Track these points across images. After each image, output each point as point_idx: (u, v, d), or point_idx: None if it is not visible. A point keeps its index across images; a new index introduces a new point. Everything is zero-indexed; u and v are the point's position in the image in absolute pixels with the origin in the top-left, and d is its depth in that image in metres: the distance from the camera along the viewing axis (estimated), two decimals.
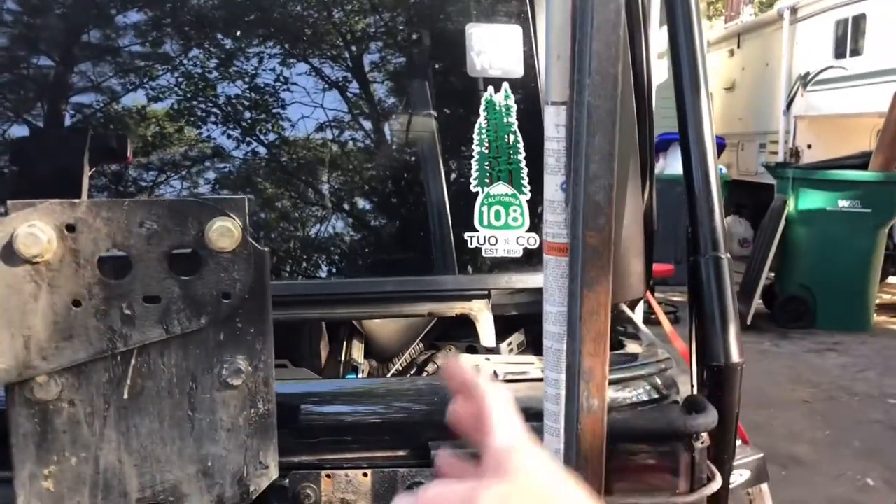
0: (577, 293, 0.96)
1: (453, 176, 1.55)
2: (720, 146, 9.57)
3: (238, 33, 1.57)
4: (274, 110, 1.56)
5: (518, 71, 1.53)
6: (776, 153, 10.10)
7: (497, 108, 1.53)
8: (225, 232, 1.02)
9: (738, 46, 11.82)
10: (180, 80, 1.55)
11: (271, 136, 1.57)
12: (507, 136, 1.54)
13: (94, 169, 1.57)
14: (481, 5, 1.58)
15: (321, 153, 1.56)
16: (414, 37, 1.64)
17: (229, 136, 1.54)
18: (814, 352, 6.94)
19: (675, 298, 7.57)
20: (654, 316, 4.26)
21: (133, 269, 1.03)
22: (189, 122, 1.55)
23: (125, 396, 1.07)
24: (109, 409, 1.07)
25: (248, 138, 1.55)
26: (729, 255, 1.64)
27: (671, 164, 8.42)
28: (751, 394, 5.70)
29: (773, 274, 7.67)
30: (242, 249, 1.04)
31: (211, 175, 1.55)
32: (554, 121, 1.01)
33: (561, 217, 1.03)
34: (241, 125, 1.54)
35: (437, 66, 1.60)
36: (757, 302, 7.43)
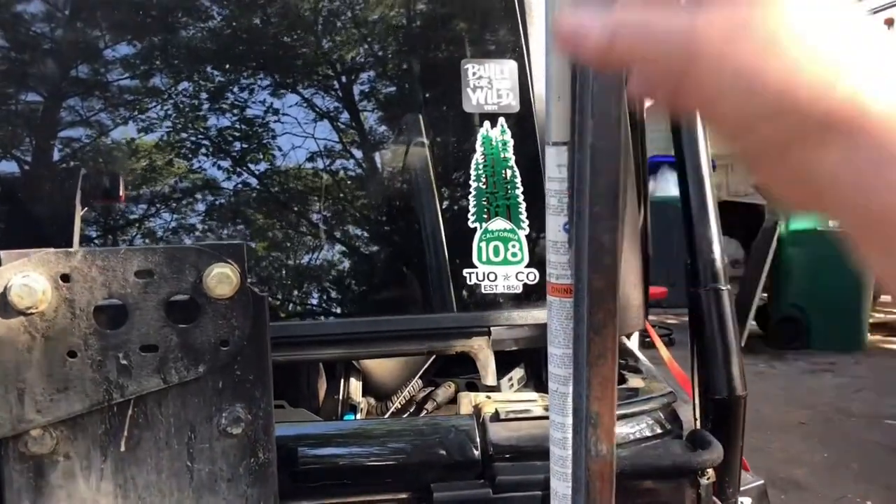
0: (584, 336, 0.94)
1: (451, 212, 1.54)
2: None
3: (229, 65, 1.57)
4: (266, 147, 1.55)
5: (514, 106, 1.53)
6: None
7: (493, 143, 1.52)
8: (223, 279, 1.00)
9: None
10: (171, 113, 1.54)
11: (264, 174, 1.56)
12: (504, 172, 1.53)
13: (85, 209, 1.55)
14: (476, 41, 1.58)
15: (315, 190, 1.55)
16: (409, 72, 1.64)
17: (221, 171, 1.53)
18: (809, 373, 6.94)
19: (670, 321, 7.57)
20: (648, 339, 4.25)
21: (129, 318, 1.01)
22: (180, 156, 1.54)
23: (122, 448, 1.04)
24: (106, 462, 1.04)
25: (239, 175, 1.54)
26: (728, 287, 1.63)
27: (662, 187, 8.47)
28: (747, 417, 5.69)
29: (766, 295, 7.69)
30: (241, 296, 1.02)
31: (202, 210, 1.54)
32: (556, 161, 1.00)
33: (564, 258, 1.01)
34: (233, 160, 1.53)
35: (433, 102, 1.60)
36: (751, 323, 7.44)
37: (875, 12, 8.27)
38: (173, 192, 1.53)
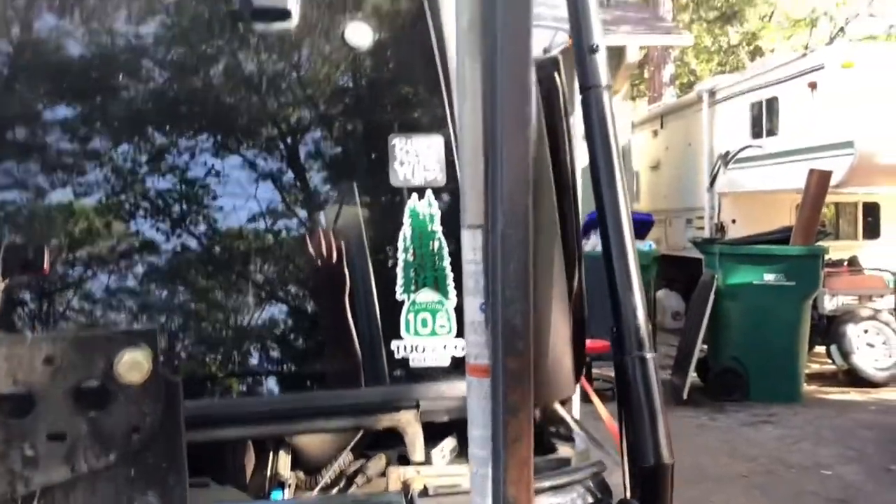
0: (500, 418, 0.95)
1: (380, 285, 1.55)
2: (648, 223, 9.84)
3: (153, 129, 1.56)
4: (193, 218, 1.54)
5: (440, 180, 1.55)
6: (702, 228, 10.45)
7: (421, 216, 1.54)
8: (134, 365, 0.98)
9: (662, 127, 12.32)
10: (94, 179, 1.52)
11: (189, 246, 1.54)
12: (431, 244, 1.55)
13: (6, 282, 1.51)
14: (403, 116, 1.60)
15: (243, 263, 1.54)
16: (338, 145, 1.65)
17: (140, 241, 1.51)
18: (749, 424, 7.04)
19: (613, 374, 7.63)
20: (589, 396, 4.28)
21: (36, 407, 0.98)
22: (96, 231, 1.51)
23: None
24: None
25: (162, 246, 1.52)
26: (653, 354, 1.66)
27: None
28: (689, 469, 5.73)
29: (706, 346, 7.82)
30: (153, 382, 1.00)
31: (122, 285, 1.51)
32: (471, 244, 1.02)
33: (482, 338, 1.02)
34: (156, 232, 1.51)
35: (361, 175, 1.61)
36: (692, 375, 7.54)
37: (800, 75, 8.65)
38: (92, 266, 1.50)
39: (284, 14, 1.51)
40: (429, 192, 1.56)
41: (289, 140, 1.61)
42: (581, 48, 1.68)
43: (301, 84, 1.62)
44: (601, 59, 1.68)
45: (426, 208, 1.55)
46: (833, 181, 7.66)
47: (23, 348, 0.97)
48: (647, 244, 9.39)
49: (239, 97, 1.59)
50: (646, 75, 19.47)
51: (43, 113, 1.54)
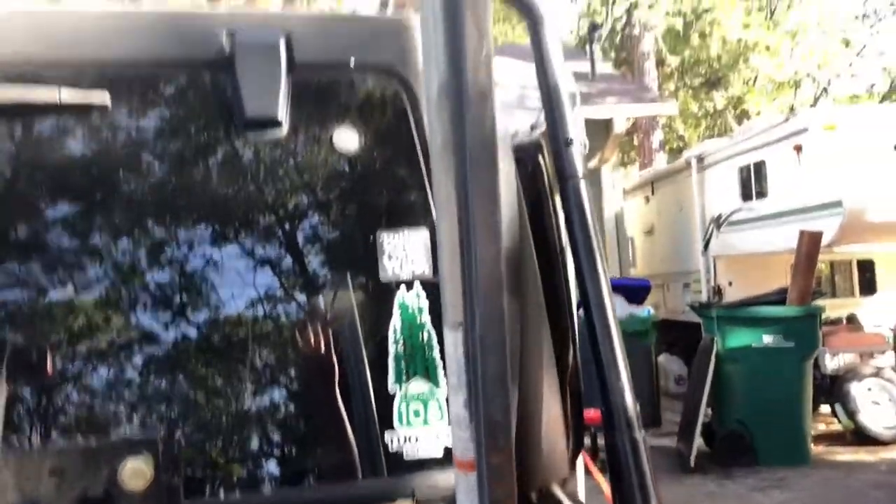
0: None
1: (373, 376, 1.60)
2: (645, 288, 9.90)
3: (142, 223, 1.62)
4: (185, 315, 1.59)
5: (427, 272, 1.62)
6: (700, 292, 10.51)
7: (409, 309, 1.60)
8: (137, 473, 1.03)
9: (653, 193, 12.51)
10: (94, 276, 1.57)
11: (188, 338, 1.59)
12: (420, 335, 1.61)
13: (10, 390, 1.55)
14: (390, 212, 1.68)
15: (241, 361, 1.59)
16: (331, 242, 1.72)
17: (129, 340, 1.55)
18: (759, 490, 6.95)
19: None
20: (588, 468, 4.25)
21: None
22: (96, 331, 1.56)
23: None
24: None
25: (157, 343, 1.57)
26: (643, 433, 1.69)
27: None
28: None
29: (710, 411, 7.78)
30: (155, 488, 1.05)
31: (118, 384, 1.55)
32: (453, 342, 1.08)
33: (467, 433, 1.07)
34: (147, 331, 1.56)
35: (353, 270, 1.67)
36: (698, 441, 7.48)
37: (785, 138, 8.85)
38: (93, 364, 1.55)
39: (276, 123, 1.60)
40: (417, 284, 1.62)
41: (281, 238, 1.69)
42: (557, 141, 1.77)
43: (292, 185, 1.70)
44: (576, 151, 1.77)
45: (415, 300, 1.61)
46: (824, 241, 7.76)
47: (31, 463, 1.02)
48: (646, 310, 9.43)
49: (232, 199, 1.67)
50: (635, 142, 19.84)
51: (43, 212, 1.60)
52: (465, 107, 0.91)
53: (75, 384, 1.56)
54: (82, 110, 1.57)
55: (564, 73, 1.82)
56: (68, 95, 1.54)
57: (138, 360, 1.56)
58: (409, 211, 1.68)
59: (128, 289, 1.58)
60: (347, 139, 1.66)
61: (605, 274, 1.74)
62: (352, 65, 1.67)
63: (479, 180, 0.93)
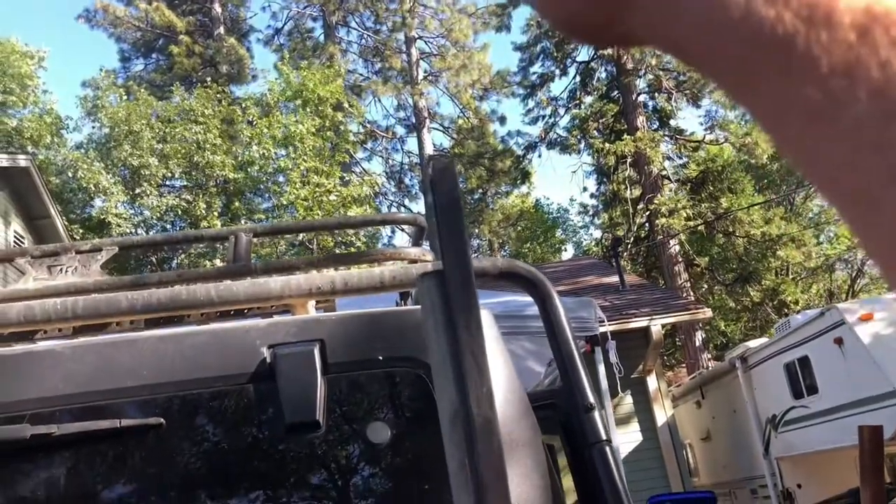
0: None
1: None
2: (711, 500, 9.44)
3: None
4: None
5: None
6: (769, 497, 9.99)
7: None
8: None
9: (703, 397, 12.27)
10: None
11: None
12: None
13: None
14: (421, 497, 1.76)
15: None
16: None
17: None
18: None
19: None
20: None
21: None
22: None
23: None
24: None
25: None
26: None
27: None
28: None
29: None
30: None
31: None
32: None
33: None
34: None
35: None
36: None
37: (825, 332, 8.80)
38: None
39: (315, 426, 1.74)
40: None
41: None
42: (577, 408, 1.88)
43: (329, 477, 1.81)
44: (597, 416, 1.87)
45: None
46: (886, 434, 7.48)
47: None
48: None
49: (272, 490, 1.77)
50: (678, 342, 19.78)
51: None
52: (474, 434, 1.04)
53: None
54: (140, 431, 1.73)
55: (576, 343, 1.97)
56: (127, 422, 1.71)
57: None
58: (437, 494, 1.76)
59: None
60: (379, 433, 1.79)
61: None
62: (380, 358, 1.84)
63: (486, 454, 1.05)
